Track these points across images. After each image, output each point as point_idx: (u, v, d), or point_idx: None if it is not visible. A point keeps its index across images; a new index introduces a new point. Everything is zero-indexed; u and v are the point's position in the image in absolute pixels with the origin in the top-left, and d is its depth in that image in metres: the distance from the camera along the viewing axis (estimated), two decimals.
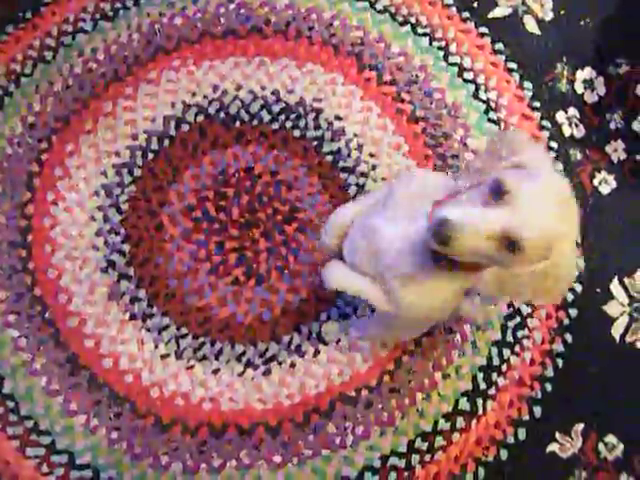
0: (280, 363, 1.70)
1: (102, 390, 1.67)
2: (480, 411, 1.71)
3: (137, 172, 1.81)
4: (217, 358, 1.69)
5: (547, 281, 0.91)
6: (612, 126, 1.95)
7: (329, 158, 1.83)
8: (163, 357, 1.69)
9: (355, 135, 1.85)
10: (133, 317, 1.71)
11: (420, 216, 1.04)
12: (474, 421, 1.70)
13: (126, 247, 1.75)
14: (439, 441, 1.68)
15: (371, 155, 1.84)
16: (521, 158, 0.93)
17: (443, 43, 1.96)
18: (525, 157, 0.93)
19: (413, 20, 1.97)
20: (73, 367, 1.68)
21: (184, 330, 1.71)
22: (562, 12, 2.03)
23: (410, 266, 1.06)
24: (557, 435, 1.72)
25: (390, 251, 1.08)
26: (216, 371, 1.69)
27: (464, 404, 1.71)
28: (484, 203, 0.90)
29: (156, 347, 1.70)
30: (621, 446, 1.73)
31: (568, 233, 0.89)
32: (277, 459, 1.64)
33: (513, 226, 0.86)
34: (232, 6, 1.95)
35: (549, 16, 2.02)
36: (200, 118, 1.85)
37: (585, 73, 1.99)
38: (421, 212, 1.03)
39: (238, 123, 1.85)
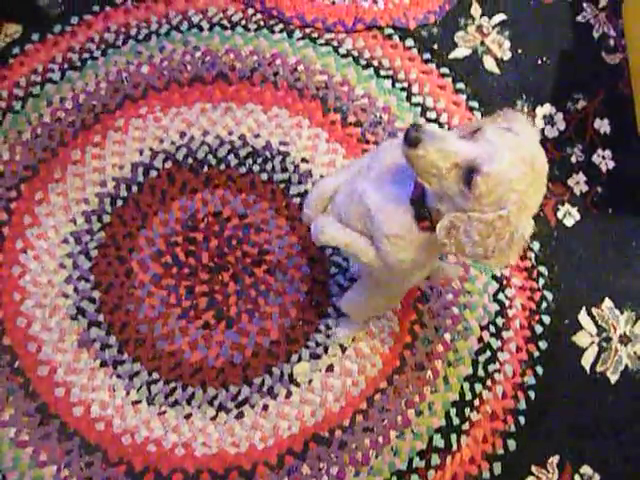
0: (252, 406, 1.69)
1: (73, 439, 1.65)
2: (455, 447, 1.71)
3: (106, 219, 1.82)
4: (189, 403, 1.69)
5: (491, 236, 0.94)
6: (573, 160, 2.00)
7: (296, 200, 1.86)
8: (134, 403, 1.68)
9: (321, 177, 1.87)
10: (104, 364, 1.70)
11: (406, 180, 1.08)
12: (449, 457, 1.70)
13: (96, 294, 1.75)
14: (415, 479, 1.68)
15: None
16: (512, 125, 0.98)
17: (406, 84, 2.02)
18: (516, 125, 0.98)
19: (376, 63, 2.03)
20: (43, 417, 1.66)
21: (155, 376, 1.70)
22: (520, 51, 2.10)
23: (397, 228, 1.11)
24: (533, 468, 1.73)
25: (378, 213, 1.12)
26: (188, 416, 1.68)
27: (438, 441, 1.71)
28: (460, 137, 0.97)
29: (127, 394, 1.69)
30: (597, 477, 1.73)
31: (524, 194, 0.92)
32: None
33: (475, 157, 0.92)
34: (198, 54, 1.99)
35: (507, 55, 2.09)
36: (168, 164, 1.88)
37: (545, 109, 2.05)
38: (407, 175, 1.07)
39: (206, 168, 1.88)
